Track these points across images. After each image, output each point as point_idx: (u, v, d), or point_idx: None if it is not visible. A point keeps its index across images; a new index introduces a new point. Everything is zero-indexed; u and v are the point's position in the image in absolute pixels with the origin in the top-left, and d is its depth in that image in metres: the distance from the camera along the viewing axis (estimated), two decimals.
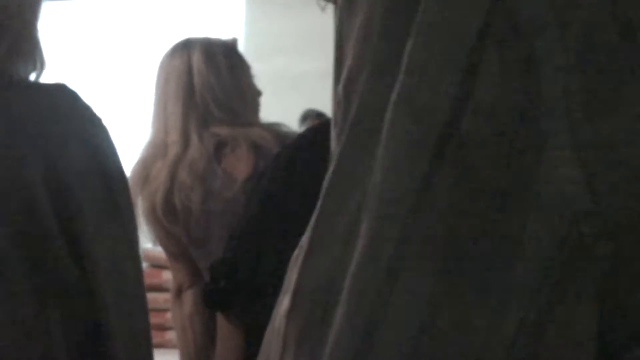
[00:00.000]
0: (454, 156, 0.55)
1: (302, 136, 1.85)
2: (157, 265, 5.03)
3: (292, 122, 2.81)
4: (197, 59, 2.45)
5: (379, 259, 0.55)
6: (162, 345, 4.84)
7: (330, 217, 0.60)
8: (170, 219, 2.46)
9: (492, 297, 0.54)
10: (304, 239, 0.62)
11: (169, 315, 2.69)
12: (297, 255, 0.63)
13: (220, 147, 2.43)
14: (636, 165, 0.53)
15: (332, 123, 0.65)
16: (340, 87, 0.62)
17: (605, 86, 0.53)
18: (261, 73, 2.62)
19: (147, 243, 2.59)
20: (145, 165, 2.44)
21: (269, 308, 1.78)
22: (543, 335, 0.53)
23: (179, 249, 2.54)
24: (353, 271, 0.56)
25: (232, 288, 1.79)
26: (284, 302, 0.62)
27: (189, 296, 2.55)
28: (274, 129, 2.48)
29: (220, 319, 1.92)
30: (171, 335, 3.00)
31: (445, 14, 0.55)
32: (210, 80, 2.43)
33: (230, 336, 1.88)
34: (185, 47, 2.49)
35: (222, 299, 1.84)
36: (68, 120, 1.37)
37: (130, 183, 1.54)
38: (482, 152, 0.54)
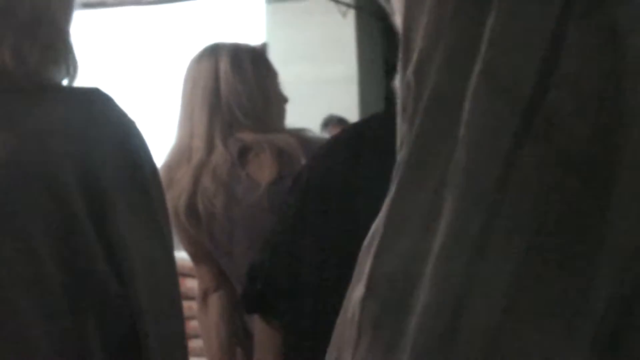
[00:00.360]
0: (539, 131, 0.54)
1: (336, 137, 1.85)
2: (181, 274, 5.03)
3: (314, 128, 2.81)
4: (224, 65, 2.45)
5: (465, 238, 0.54)
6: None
7: (407, 199, 0.59)
8: (194, 224, 2.46)
9: (578, 273, 0.53)
10: (378, 224, 0.61)
11: (192, 323, 2.70)
12: (370, 242, 0.62)
13: (244, 153, 2.43)
14: None
15: (400, 109, 0.64)
16: (411, 70, 0.61)
17: None
18: (282, 79, 2.62)
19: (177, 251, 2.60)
20: (170, 170, 2.45)
21: (308, 310, 1.80)
22: (632, 317, 0.53)
23: (203, 253, 2.55)
24: (437, 252, 0.55)
25: (271, 290, 1.80)
26: (357, 289, 0.61)
27: (214, 300, 2.56)
28: (299, 135, 2.48)
29: (257, 322, 1.92)
30: (195, 343, 3.00)
31: None
32: (236, 86, 2.43)
33: (267, 338, 1.88)
34: (212, 52, 2.49)
35: (260, 301, 1.85)
36: (103, 123, 1.38)
37: None
38: (566, 127, 0.54)
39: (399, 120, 0.63)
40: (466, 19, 0.58)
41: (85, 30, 1.55)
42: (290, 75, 2.61)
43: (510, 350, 0.54)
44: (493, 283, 0.54)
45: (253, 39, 2.81)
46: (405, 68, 0.62)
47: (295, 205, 1.76)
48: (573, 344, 0.53)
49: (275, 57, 2.62)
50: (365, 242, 0.63)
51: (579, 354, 0.53)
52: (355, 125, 2.08)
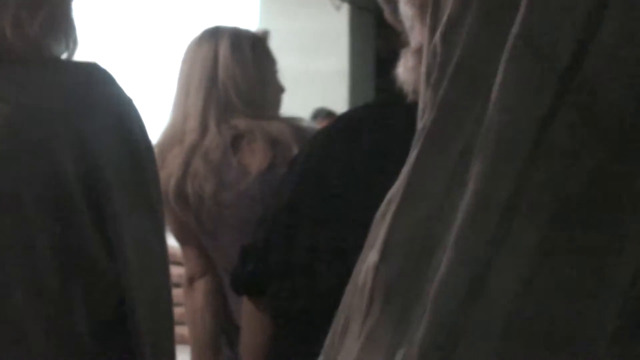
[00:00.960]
0: (574, 98, 0.54)
1: (335, 123, 1.85)
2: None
3: (307, 120, 2.82)
4: (223, 48, 2.45)
5: (493, 204, 0.53)
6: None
7: (430, 164, 0.58)
8: (182, 206, 2.46)
9: (606, 243, 0.52)
10: (395, 190, 0.60)
11: (178, 310, 2.70)
12: (387, 207, 0.61)
13: (237, 140, 2.43)
14: None
15: (424, 74, 0.63)
16: (439, 33, 0.60)
17: None
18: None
19: None
20: (162, 150, 2.45)
21: (300, 291, 1.80)
22: None
23: (190, 236, 2.54)
24: (462, 217, 0.54)
25: (262, 271, 1.80)
26: (370, 256, 0.59)
27: (200, 285, 2.55)
28: (293, 123, 2.47)
29: (246, 304, 1.92)
30: (181, 330, 3.00)
31: None
32: (234, 70, 2.43)
33: (256, 321, 1.88)
34: (213, 35, 2.49)
35: (251, 282, 1.84)
36: (100, 98, 1.38)
37: None
38: (602, 97, 0.53)
39: (422, 87, 0.63)
40: None
41: (82, 10, 1.55)
42: (281, 67, 2.61)
43: (535, 316, 0.54)
44: (518, 252, 0.54)
45: (247, 28, 2.81)
46: (432, 33, 0.62)
47: (291, 188, 1.76)
48: (599, 316, 0.53)
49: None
50: (381, 208, 0.62)
51: (605, 326, 0.53)
52: (351, 112, 2.08)
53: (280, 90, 2.55)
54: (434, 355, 0.54)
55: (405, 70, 1.08)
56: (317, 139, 1.83)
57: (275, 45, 2.67)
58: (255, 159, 2.40)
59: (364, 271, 0.60)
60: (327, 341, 0.65)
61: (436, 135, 0.59)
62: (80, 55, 1.46)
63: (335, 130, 1.79)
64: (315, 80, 6.89)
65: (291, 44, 6.58)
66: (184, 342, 2.64)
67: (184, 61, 2.49)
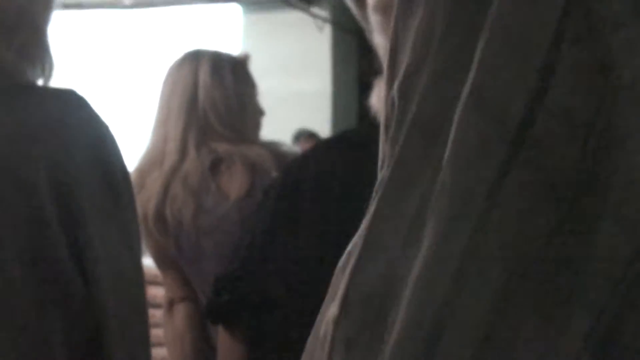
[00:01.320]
0: (527, 156, 0.54)
1: (309, 152, 1.85)
2: (148, 282, 5.00)
3: (285, 142, 2.82)
4: (204, 71, 2.45)
5: (447, 261, 0.54)
6: None
7: (387, 219, 0.58)
8: (161, 230, 2.45)
9: (558, 307, 0.53)
10: (354, 244, 0.60)
11: (156, 331, 2.68)
12: (346, 261, 0.61)
13: (216, 164, 2.42)
14: None
15: (383, 125, 0.63)
16: (396, 86, 0.60)
17: None
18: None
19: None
20: (141, 174, 2.44)
21: (274, 322, 1.79)
22: (614, 348, 0.52)
23: (170, 260, 2.53)
24: (416, 276, 0.54)
25: (237, 301, 1.79)
26: (330, 310, 0.60)
27: (180, 310, 2.54)
28: (273, 148, 2.47)
29: (221, 333, 1.91)
30: (157, 352, 2.97)
31: (521, 11, 0.54)
32: (214, 94, 2.43)
33: (232, 350, 1.87)
34: (194, 58, 2.49)
35: (226, 312, 1.84)
36: (76, 124, 1.37)
37: None
38: (555, 153, 0.53)
39: (381, 139, 0.63)
40: (456, 40, 0.57)
41: (61, 31, 1.54)
42: (263, 87, 2.61)
43: None
44: (474, 310, 0.53)
45: (229, 49, 2.81)
46: (390, 85, 0.62)
47: (266, 218, 1.76)
48: None
49: (250, 68, 2.62)
50: (341, 262, 0.62)
51: None
52: (329, 140, 2.08)
53: (260, 114, 2.54)
54: None
55: (378, 100, 1.07)
56: (291, 170, 1.83)
57: (258, 66, 2.67)
58: (234, 184, 2.39)
59: (324, 324, 0.59)
60: None
61: (392, 191, 0.59)
62: (56, 81, 1.45)
63: (309, 160, 1.78)
64: (297, 101, 6.90)
65: (274, 65, 6.59)
66: None
67: (165, 84, 2.49)
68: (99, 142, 1.39)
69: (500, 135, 0.54)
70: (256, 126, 2.54)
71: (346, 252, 0.62)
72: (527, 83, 0.54)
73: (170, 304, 2.56)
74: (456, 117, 0.55)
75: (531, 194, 0.53)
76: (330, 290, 0.62)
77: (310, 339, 0.63)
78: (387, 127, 0.61)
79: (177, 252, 2.46)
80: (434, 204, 0.55)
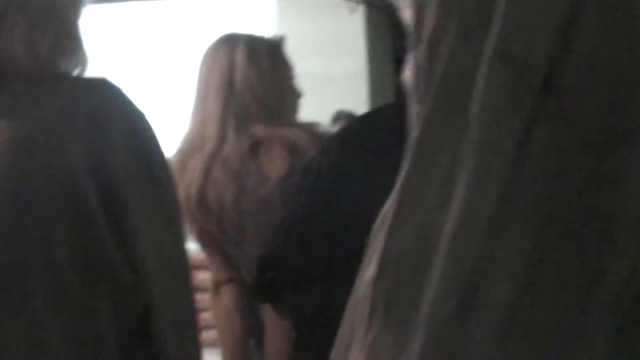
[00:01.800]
0: (554, 109, 0.54)
1: (347, 128, 1.84)
2: (192, 266, 5.02)
3: (323, 124, 2.82)
4: (240, 56, 2.45)
5: (479, 216, 0.54)
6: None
7: (420, 179, 0.58)
8: (204, 214, 2.47)
9: (595, 250, 0.53)
10: (389, 205, 0.61)
11: (204, 314, 2.71)
12: (382, 223, 0.61)
13: (255, 147, 2.44)
14: None
15: (412, 90, 0.63)
16: (422, 49, 0.61)
17: None
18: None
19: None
20: (183, 157, 2.46)
21: (318, 299, 1.80)
22: None
23: (214, 243, 2.56)
24: (450, 231, 0.55)
25: (281, 279, 1.80)
26: (369, 270, 0.60)
27: (227, 291, 2.56)
28: (311, 129, 2.48)
29: (268, 311, 1.93)
30: (207, 334, 3.00)
31: None
32: (252, 77, 2.44)
33: (278, 328, 1.89)
34: (229, 42, 2.49)
35: (271, 290, 1.85)
36: (112, 113, 1.39)
37: None
38: (583, 104, 0.54)
39: (410, 102, 0.63)
40: None
41: (94, 24, 1.56)
42: (299, 70, 2.62)
43: (527, 325, 0.54)
44: (508, 260, 0.54)
45: (263, 33, 2.81)
46: (417, 48, 0.62)
47: (306, 195, 1.76)
48: (591, 319, 0.53)
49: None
50: (377, 222, 0.63)
51: (597, 329, 0.53)
52: (366, 115, 2.08)
53: (297, 96, 2.55)
54: None
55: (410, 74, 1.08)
56: (330, 145, 1.83)
57: (292, 48, 2.67)
58: (275, 166, 2.40)
59: (364, 285, 0.60)
60: (333, 353, 0.66)
61: (423, 151, 0.59)
62: (91, 71, 1.47)
63: (348, 135, 1.78)
64: (333, 83, 6.89)
65: (308, 48, 6.59)
66: (215, 345, 2.66)
67: (201, 69, 2.50)
68: (136, 130, 1.41)
69: (527, 88, 0.54)
70: (293, 108, 2.54)
71: (382, 213, 0.62)
72: (551, 34, 0.54)
73: (217, 287, 2.59)
74: (482, 72, 0.56)
75: (560, 146, 0.54)
76: (368, 252, 0.62)
77: (350, 302, 0.64)
78: (415, 89, 0.62)
79: (220, 234, 2.48)
80: (464, 160, 0.56)
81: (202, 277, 3.63)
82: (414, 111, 0.62)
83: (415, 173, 0.59)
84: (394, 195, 0.61)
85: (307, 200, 1.76)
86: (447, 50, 0.58)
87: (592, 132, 0.53)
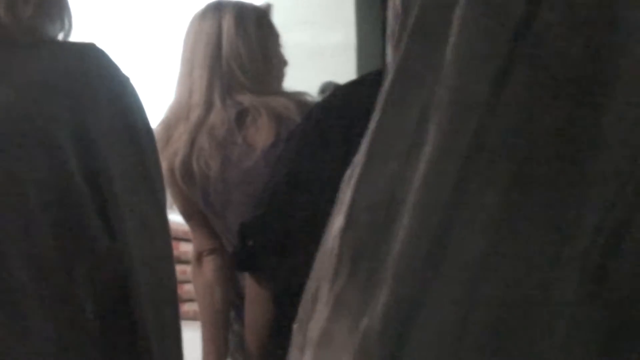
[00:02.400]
0: (529, 52, 0.53)
1: (331, 96, 1.83)
2: (175, 238, 5.00)
3: (312, 94, 2.80)
4: (227, 24, 2.44)
5: (448, 167, 0.53)
6: (180, 317, 4.83)
7: (390, 127, 0.57)
8: (188, 183, 2.46)
9: (567, 199, 0.52)
10: (358, 156, 0.60)
11: (186, 287, 2.70)
12: (351, 173, 0.60)
13: (241, 116, 2.42)
14: None
15: (389, 38, 0.62)
16: None
17: None
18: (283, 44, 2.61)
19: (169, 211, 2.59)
20: (168, 127, 2.44)
21: (299, 266, 1.79)
22: (623, 242, 0.52)
23: (197, 214, 2.54)
24: (418, 182, 0.54)
25: (262, 247, 1.79)
26: (336, 221, 0.59)
27: (209, 262, 2.55)
28: (298, 98, 2.47)
29: (248, 281, 1.92)
30: (189, 307, 2.98)
31: None
32: (238, 46, 2.42)
33: (258, 299, 1.88)
34: (216, 10, 2.48)
35: (251, 259, 1.84)
36: (97, 78, 1.37)
37: None
38: (558, 49, 0.53)
39: (388, 49, 0.62)
40: None
41: None
42: (288, 41, 2.60)
43: (498, 276, 0.53)
44: (478, 208, 0.53)
45: (254, 1, 2.79)
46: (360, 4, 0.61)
47: (289, 163, 1.75)
48: (562, 270, 0.52)
49: (274, 23, 2.60)
50: (347, 173, 0.61)
51: (568, 280, 0.52)
52: (349, 83, 2.06)
53: (283, 64, 2.54)
54: (393, 328, 0.54)
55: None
56: (312, 113, 1.81)
57: (281, 19, 2.65)
58: (261, 135, 2.39)
59: (332, 236, 0.59)
60: (300, 308, 0.65)
61: (396, 96, 0.58)
62: (77, 35, 1.45)
63: (331, 104, 1.77)
64: (322, 53, 6.86)
65: (297, 18, 6.55)
66: (196, 318, 2.65)
67: (187, 36, 2.49)
68: (120, 95, 1.39)
69: (502, 32, 0.53)
70: (280, 77, 2.53)
71: (352, 164, 0.61)
72: None
73: (199, 257, 2.58)
74: (457, 15, 0.54)
75: (535, 90, 0.53)
76: (337, 202, 0.61)
77: (318, 255, 0.63)
78: (392, 36, 0.61)
79: (204, 204, 2.47)
80: (438, 103, 0.55)
81: (185, 248, 3.62)
82: (390, 58, 0.60)
83: (386, 122, 0.58)
84: (363, 145, 0.59)
85: (289, 168, 1.75)
86: None
87: (568, 79, 0.52)
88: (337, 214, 0.59)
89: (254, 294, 1.90)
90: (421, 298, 0.53)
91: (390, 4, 0.62)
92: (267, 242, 1.78)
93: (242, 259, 1.88)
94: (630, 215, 0.51)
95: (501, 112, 0.53)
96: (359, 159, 0.59)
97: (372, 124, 0.58)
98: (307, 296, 0.63)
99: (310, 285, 0.63)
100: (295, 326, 0.66)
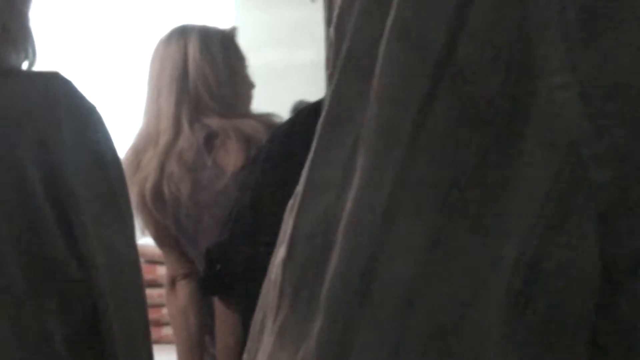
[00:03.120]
0: (451, 84, 0.54)
1: (295, 117, 1.83)
2: (152, 261, 4.99)
3: (283, 114, 2.81)
4: (193, 48, 2.45)
5: (378, 194, 0.53)
6: (159, 341, 4.79)
7: (325, 158, 0.58)
8: (160, 208, 2.46)
9: (491, 233, 0.53)
10: (299, 186, 0.61)
11: (164, 311, 2.70)
12: (293, 204, 0.61)
13: (210, 139, 2.43)
14: (636, 86, 0.53)
15: (326, 67, 0.63)
16: (332, 27, 0.61)
17: (603, 5, 0.53)
18: (251, 64, 2.61)
19: (141, 237, 2.59)
20: (137, 153, 2.44)
21: None
22: (541, 269, 0.53)
23: (170, 238, 2.54)
24: (348, 213, 0.55)
25: (228, 272, 1.79)
26: (280, 252, 0.60)
27: (183, 287, 2.55)
28: (266, 120, 2.48)
29: (218, 305, 1.92)
30: (167, 330, 2.97)
31: None
32: (205, 69, 2.43)
33: (228, 322, 1.88)
34: (182, 35, 2.48)
35: (219, 283, 1.84)
36: (63, 107, 1.37)
37: None
38: (478, 80, 0.53)
39: (327, 80, 0.63)
40: None
41: (47, 14, 1.53)
42: (259, 60, 2.60)
43: (427, 304, 0.53)
44: (406, 242, 0.53)
45: (222, 22, 2.80)
46: (329, 25, 0.62)
47: (253, 185, 1.76)
48: (487, 301, 0.53)
49: (244, 42, 2.61)
50: (290, 203, 0.62)
51: (492, 310, 0.53)
52: (315, 103, 2.07)
53: (250, 86, 2.55)
54: (330, 351, 0.54)
55: None
56: (276, 135, 1.82)
57: (251, 38, 2.66)
58: (230, 158, 2.39)
59: (275, 267, 0.60)
60: (249, 338, 0.65)
61: (330, 129, 0.59)
62: (41, 64, 1.44)
63: (294, 125, 1.77)
64: (293, 72, 6.88)
65: (268, 37, 6.57)
66: (174, 342, 2.64)
67: (153, 62, 2.49)
68: (86, 123, 1.39)
69: (424, 65, 0.54)
70: (247, 99, 2.54)
71: (293, 195, 0.62)
72: (447, 10, 0.54)
73: (173, 282, 2.57)
74: (381, 51, 0.55)
75: (457, 122, 0.53)
76: (281, 234, 0.62)
77: (264, 284, 0.63)
78: (328, 68, 0.62)
79: (176, 229, 2.47)
80: (364, 136, 0.55)
81: (162, 272, 3.61)
82: (326, 89, 0.61)
83: (322, 153, 0.59)
84: (302, 175, 0.60)
85: (253, 192, 1.75)
86: (351, 28, 0.58)
87: (488, 111, 0.53)
88: (280, 244, 0.60)
89: (224, 317, 1.90)
90: (354, 326, 0.54)
91: (326, 33, 0.64)
92: (234, 266, 1.78)
93: (210, 284, 1.88)
94: (546, 245, 0.53)
95: (425, 144, 0.54)
96: (298, 189, 0.60)
97: (310, 155, 0.59)
98: (254, 326, 0.64)
99: (257, 316, 0.63)
100: (244, 357, 0.67)
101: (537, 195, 0.53)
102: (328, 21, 0.79)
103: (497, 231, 0.53)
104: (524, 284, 0.52)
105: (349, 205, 0.55)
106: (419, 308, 0.53)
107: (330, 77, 0.60)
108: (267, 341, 0.60)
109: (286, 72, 6.61)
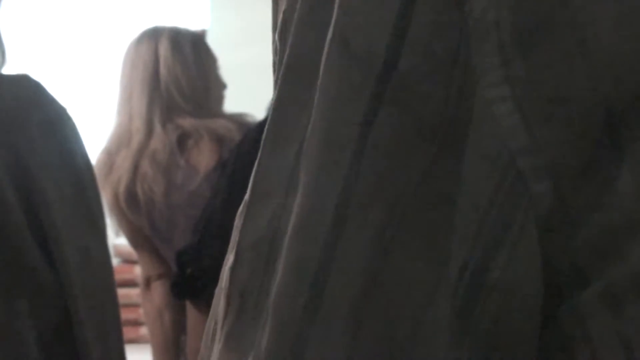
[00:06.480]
0: (392, 96, 0.54)
1: (266, 118, 1.84)
2: (129, 261, 4.98)
3: (259, 113, 2.81)
4: (164, 49, 2.45)
5: (323, 207, 0.53)
6: (136, 341, 4.79)
7: (269, 167, 0.58)
8: (134, 209, 2.46)
9: (437, 247, 0.53)
10: (247, 193, 0.61)
11: (142, 310, 2.71)
12: (241, 211, 0.61)
13: (183, 139, 2.43)
14: (571, 98, 0.53)
15: (273, 72, 0.63)
16: (277, 34, 0.60)
17: (538, 18, 0.53)
18: (227, 64, 2.61)
19: (115, 238, 2.59)
20: (110, 155, 2.44)
21: None
22: (485, 281, 0.53)
23: (144, 239, 2.54)
24: (294, 223, 0.55)
25: (199, 275, 1.79)
26: (228, 259, 0.60)
27: (157, 287, 2.55)
28: (239, 119, 2.48)
29: (189, 308, 1.92)
30: (145, 330, 2.97)
31: None
32: (176, 71, 2.43)
33: (199, 325, 1.88)
34: (152, 36, 2.49)
35: (190, 287, 1.84)
36: (31, 109, 1.36)
37: (95, 172, 1.55)
38: (421, 91, 0.53)
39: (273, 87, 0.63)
40: None
41: (17, 14, 1.53)
42: (235, 59, 2.61)
43: (377, 314, 0.54)
44: (352, 255, 0.54)
45: (197, 22, 2.80)
46: (274, 31, 0.61)
47: (224, 188, 1.76)
48: (437, 307, 0.53)
49: (219, 41, 2.61)
50: (239, 211, 0.62)
51: (441, 324, 0.53)
52: None
53: (222, 86, 2.55)
54: None
55: None
56: (248, 137, 1.82)
57: (226, 38, 2.66)
58: (203, 158, 2.40)
59: (224, 274, 0.60)
60: (202, 345, 0.65)
61: (273, 136, 0.59)
62: (11, 67, 1.44)
63: (262, 130, 1.78)
64: (269, 71, 6.88)
65: (243, 37, 6.56)
66: (148, 341, 2.64)
67: (125, 63, 2.49)
68: (56, 125, 1.38)
69: (366, 76, 0.53)
70: (219, 99, 2.54)
71: (244, 200, 0.62)
72: (387, 21, 0.54)
73: (147, 282, 2.57)
74: (322, 62, 0.55)
75: (401, 134, 0.53)
76: (231, 239, 0.62)
77: (215, 293, 0.63)
78: (273, 75, 0.61)
79: (151, 230, 2.47)
80: (306, 150, 0.55)
81: (139, 271, 3.60)
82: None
83: (266, 159, 0.59)
84: (250, 183, 0.60)
85: (224, 193, 1.75)
86: (292, 36, 0.58)
87: (432, 121, 0.53)
88: (229, 251, 0.60)
89: (195, 320, 1.91)
90: (303, 340, 0.54)
91: (272, 41, 0.63)
92: (204, 269, 1.78)
93: (181, 288, 1.89)
94: (488, 257, 0.53)
95: (369, 154, 0.53)
96: (246, 196, 0.60)
97: (256, 163, 0.59)
98: (207, 335, 0.64)
99: (209, 324, 0.63)
100: None
101: (478, 209, 0.53)
102: (274, 27, 0.77)
103: (442, 245, 0.53)
104: (467, 298, 0.53)
105: (293, 216, 0.55)
106: (369, 324, 0.53)
107: (275, 84, 0.59)
108: (217, 349, 0.60)
109: (262, 71, 6.62)
